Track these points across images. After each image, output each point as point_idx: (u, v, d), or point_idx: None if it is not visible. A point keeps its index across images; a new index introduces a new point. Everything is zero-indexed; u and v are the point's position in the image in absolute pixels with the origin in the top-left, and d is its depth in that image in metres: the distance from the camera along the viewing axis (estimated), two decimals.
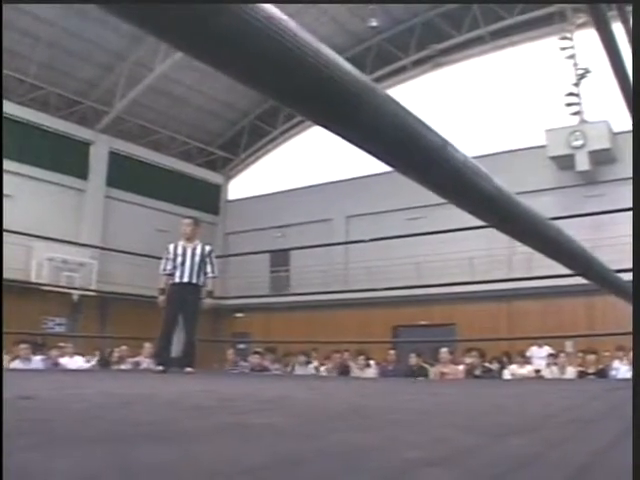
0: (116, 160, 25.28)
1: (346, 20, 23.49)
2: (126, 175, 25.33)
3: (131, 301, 15.59)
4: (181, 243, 7.82)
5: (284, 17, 0.56)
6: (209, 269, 7.76)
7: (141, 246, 7.96)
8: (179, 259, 7.66)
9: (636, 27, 2.39)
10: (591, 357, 9.72)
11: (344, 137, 0.70)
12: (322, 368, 11.33)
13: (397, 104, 0.72)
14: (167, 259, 7.77)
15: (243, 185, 29.02)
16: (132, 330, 10.39)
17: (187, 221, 8.05)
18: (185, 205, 26.21)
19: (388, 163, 0.79)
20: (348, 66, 0.63)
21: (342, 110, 0.65)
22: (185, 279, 7.60)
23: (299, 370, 11.61)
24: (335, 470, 1.08)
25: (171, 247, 7.83)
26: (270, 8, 0.55)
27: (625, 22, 2.46)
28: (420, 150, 0.78)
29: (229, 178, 29.68)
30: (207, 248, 7.85)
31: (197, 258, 7.70)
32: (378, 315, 20.64)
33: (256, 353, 12.13)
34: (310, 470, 1.07)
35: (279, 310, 22.38)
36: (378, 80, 25.11)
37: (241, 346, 17.26)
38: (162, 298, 7.65)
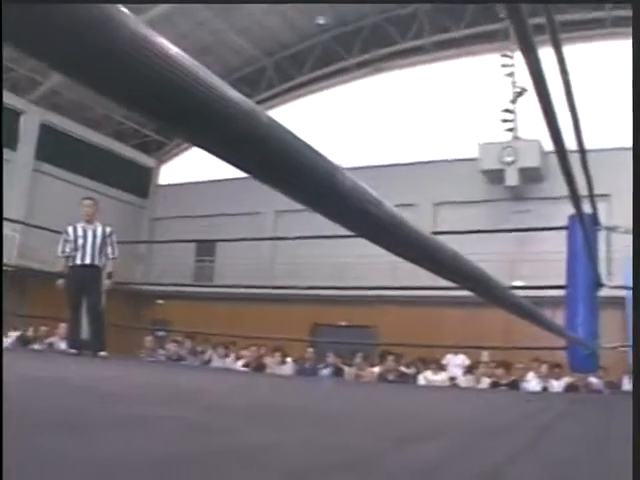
0: (47, 133, 24.48)
1: (294, 16, 23.37)
2: (56, 150, 24.53)
3: (52, 279, 15.19)
4: (81, 224, 7.62)
5: (158, 38, 0.53)
6: (109, 250, 7.61)
7: (66, 223, 7.77)
8: (80, 241, 7.47)
9: (636, 27, 2.46)
10: (500, 371, 9.90)
11: (230, 162, 0.70)
12: (239, 362, 11.26)
13: (282, 129, 0.72)
14: (66, 241, 7.56)
15: (175, 171, 28.54)
16: (51, 309, 10.09)
17: (88, 202, 7.85)
18: (115, 186, 25.64)
19: (276, 188, 0.80)
20: (229, 89, 0.62)
21: (224, 136, 0.64)
22: (87, 260, 7.43)
23: (216, 362, 11.55)
24: (237, 468, 1.09)
25: (70, 229, 7.60)
26: (141, 27, 0.51)
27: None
28: (308, 176, 0.79)
29: (161, 162, 29.16)
30: (107, 229, 7.66)
31: (98, 239, 7.52)
32: (299, 312, 20.57)
33: (174, 342, 12.02)
34: (212, 466, 1.08)
35: (201, 300, 22.14)
36: (320, 79, 25.09)
37: (160, 333, 17.02)
38: (61, 281, 7.54)
